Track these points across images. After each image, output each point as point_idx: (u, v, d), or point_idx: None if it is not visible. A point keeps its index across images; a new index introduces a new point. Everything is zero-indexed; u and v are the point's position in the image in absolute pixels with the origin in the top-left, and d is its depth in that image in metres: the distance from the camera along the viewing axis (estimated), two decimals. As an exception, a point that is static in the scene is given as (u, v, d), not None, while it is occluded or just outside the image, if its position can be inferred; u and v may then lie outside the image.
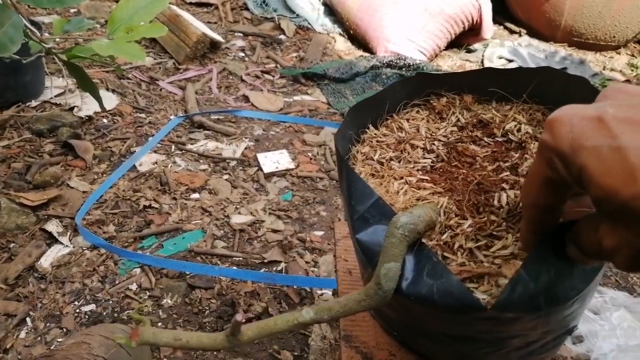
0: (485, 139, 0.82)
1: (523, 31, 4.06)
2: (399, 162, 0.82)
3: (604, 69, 3.62)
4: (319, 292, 1.67)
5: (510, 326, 0.65)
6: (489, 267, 0.62)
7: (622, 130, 0.32)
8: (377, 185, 0.78)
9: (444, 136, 0.84)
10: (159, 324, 1.51)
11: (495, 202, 0.68)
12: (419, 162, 0.80)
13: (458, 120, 0.86)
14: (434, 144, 0.83)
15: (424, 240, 0.66)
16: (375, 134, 0.87)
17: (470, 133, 0.84)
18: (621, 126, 0.32)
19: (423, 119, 0.88)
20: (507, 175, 0.73)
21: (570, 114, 0.36)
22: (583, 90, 0.73)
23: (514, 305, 0.56)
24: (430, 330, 0.75)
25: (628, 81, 3.50)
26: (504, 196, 0.68)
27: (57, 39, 2.98)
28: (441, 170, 0.79)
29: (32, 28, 1.66)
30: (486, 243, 0.64)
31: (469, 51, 3.75)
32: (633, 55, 3.84)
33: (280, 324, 0.72)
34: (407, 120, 0.89)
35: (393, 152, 0.83)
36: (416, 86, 0.89)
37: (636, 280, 1.80)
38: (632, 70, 3.63)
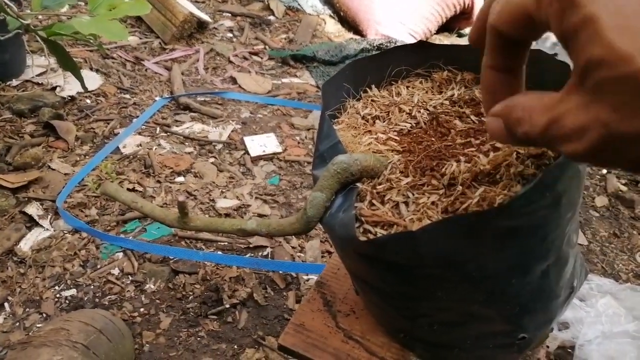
0: (472, 116, 0.82)
1: (514, 16, 4.03)
2: (383, 121, 0.85)
3: (594, 56, 3.61)
4: (305, 277, 1.65)
5: (408, 283, 0.69)
6: (399, 219, 0.65)
7: None
8: (352, 136, 0.81)
9: (433, 107, 0.85)
10: (142, 309, 1.49)
11: (443, 170, 0.71)
12: (399, 125, 0.83)
13: (453, 95, 0.87)
14: (419, 111, 0.85)
15: (358, 184, 0.71)
16: (375, 94, 0.90)
17: (459, 109, 0.84)
18: None
19: (423, 89, 0.90)
20: (470, 150, 0.74)
21: None
22: (564, 75, 0.73)
23: (387, 248, 0.62)
24: (357, 275, 0.80)
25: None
26: (453, 166, 0.70)
27: (40, 16, 2.90)
28: (414, 135, 0.82)
29: (10, 3, 1.60)
30: (414, 201, 0.67)
31: (460, 35, 3.71)
32: (623, 42, 3.84)
33: (227, 225, 0.85)
34: (407, 87, 0.91)
35: (381, 112, 0.87)
36: (419, 55, 0.91)
37: (622, 267, 1.81)
38: (622, 57, 3.62)
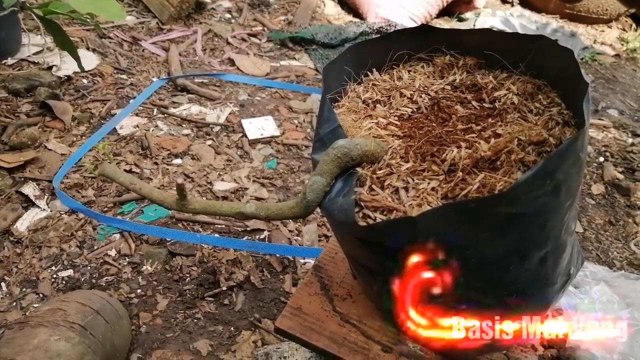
0: (473, 102, 0.82)
1: (515, 1, 4.00)
2: (384, 105, 0.86)
3: (594, 43, 3.58)
4: (302, 261, 1.65)
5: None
6: (398, 204, 0.66)
7: None
8: (352, 120, 0.81)
9: (435, 92, 0.85)
10: (139, 290, 1.49)
11: (443, 156, 0.71)
12: (400, 110, 0.84)
13: (455, 80, 0.86)
14: (421, 96, 0.85)
15: (358, 170, 0.72)
16: (376, 79, 0.90)
17: (461, 94, 0.84)
18: None
19: (425, 74, 0.89)
20: (471, 137, 0.74)
21: None
22: (566, 62, 0.72)
23: (386, 233, 0.63)
24: (356, 259, 0.81)
25: (618, 56, 3.47)
26: (453, 152, 0.71)
27: (35, -6, 2.86)
28: (415, 120, 0.82)
29: (5, -20, 1.57)
30: (414, 186, 0.68)
31: (461, 20, 3.69)
32: (624, 30, 3.81)
33: (225, 208, 0.86)
34: (409, 71, 0.90)
35: (382, 96, 0.87)
36: (421, 39, 0.91)
37: (616, 255, 1.82)
38: (623, 45, 3.60)
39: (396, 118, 0.82)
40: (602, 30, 3.76)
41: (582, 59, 3.31)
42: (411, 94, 0.85)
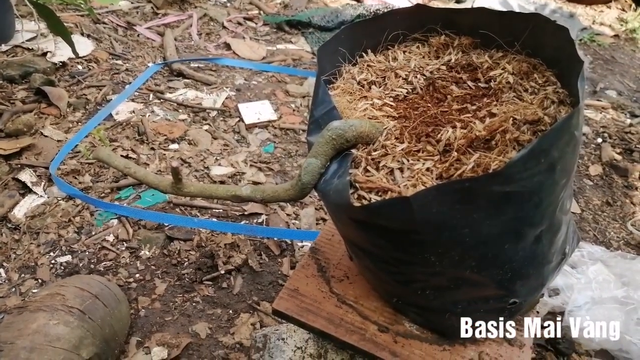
0: (469, 82, 0.82)
1: (514, -18, 3.96)
2: (379, 87, 0.85)
3: (593, 23, 3.56)
4: (300, 244, 1.66)
5: (399, 249, 0.69)
6: (393, 185, 0.66)
7: None
8: (347, 102, 0.81)
9: (430, 72, 0.85)
10: (137, 275, 1.49)
11: (439, 136, 0.71)
12: (395, 90, 0.83)
13: (450, 60, 0.86)
14: (416, 77, 0.85)
15: (353, 151, 0.71)
16: (371, 60, 0.89)
17: (456, 74, 0.84)
18: None
19: (420, 54, 0.89)
20: (466, 117, 0.73)
21: None
22: (562, 40, 0.72)
23: (381, 213, 0.63)
24: (352, 241, 0.81)
25: (617, 36, 3.45)
26: (448, 132, 0.70)
27: (28, -21, 2.82)
28: (410, 100, 0.82)
29: (-5, -36, 1.55)
30: (409, 167, 0.68)
31: (458, 1, 3.66)
32: (623, 10, 3.78)
33: (221, 191, 0.86)
34: (404, 52, 0.90)
35: (377, 77, 0.86)
36: (416, 19, 0.90)
37: (613, 235, 1.83)
38: (622, 25, 3.58)
39: (391, 99, 0.81)
40: (601, 11, 3.73)
41: (580, 39, 3.29)
42: (406, 75, 0.85)
